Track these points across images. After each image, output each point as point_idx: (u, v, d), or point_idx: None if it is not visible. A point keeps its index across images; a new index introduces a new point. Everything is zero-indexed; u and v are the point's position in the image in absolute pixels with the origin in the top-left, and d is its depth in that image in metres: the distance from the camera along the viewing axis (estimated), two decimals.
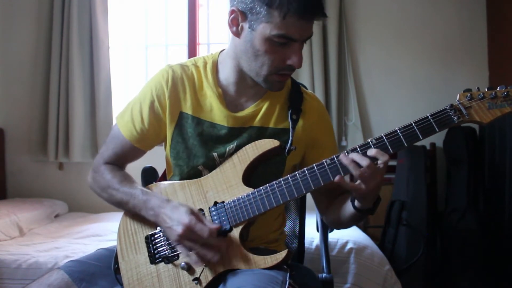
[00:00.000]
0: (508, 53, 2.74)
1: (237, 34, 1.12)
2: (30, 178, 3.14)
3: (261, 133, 1.20)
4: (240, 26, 1.11)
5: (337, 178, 1.02)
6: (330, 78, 2.93)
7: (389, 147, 1.03)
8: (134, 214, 1.20)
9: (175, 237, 1.07)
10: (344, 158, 1.03)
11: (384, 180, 1.04)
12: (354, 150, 1.04)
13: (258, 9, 1.05)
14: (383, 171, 1.02)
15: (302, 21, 1.05)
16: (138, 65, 3.28)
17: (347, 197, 1.14)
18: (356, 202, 1.09)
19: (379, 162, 1.01)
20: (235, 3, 1.10)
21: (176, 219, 1.07)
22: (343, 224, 1.23)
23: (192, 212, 1.07)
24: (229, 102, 1.21)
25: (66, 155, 3.01)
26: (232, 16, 1.11)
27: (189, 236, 1.05)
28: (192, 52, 3.16)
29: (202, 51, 3.23)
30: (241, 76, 1.19)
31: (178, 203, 1.12)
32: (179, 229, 1.05)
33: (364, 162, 1.00)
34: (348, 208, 1.13)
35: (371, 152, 1.02)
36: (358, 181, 1.02)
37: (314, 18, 1.07)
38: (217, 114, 1.20)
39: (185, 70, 1.23)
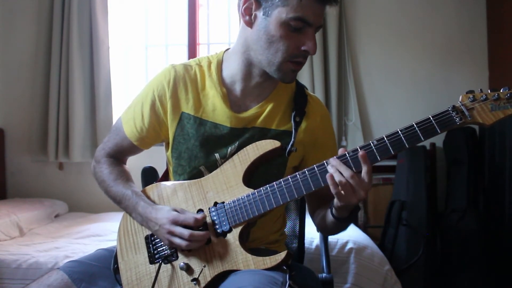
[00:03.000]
0: (508, 53, 2.74)
1: (249, 23, 1.13)
2: (30, 178, 3.14)
3: (264, 134, 1.19)
4: (253, 15, 1.11)
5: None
6: (330, 78, 2.93)
7: (390, 148, 1.02)
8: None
9: (166, 236, 1.10)
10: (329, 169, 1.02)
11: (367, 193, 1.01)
12: (354, 151, 1.04)
13: None
14: (368, 185, 1.00)
15: (317, 3, 1.07)
16: (138, 65, 3.28)
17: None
18: (333, 210, 1.10)
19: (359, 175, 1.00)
20: None
21: (160, 219, 1.11)
22: (326, 230, 1.23)
23: (173, 209, 1.12)
24: (233, 102, 1.20)
25: (66, 155, 3.01)
26: (245, 5, 1.11)
27: (175, 231, 1.08)
28: (192, 52, 3.15)
29: (202, 51, 3.22)
30: (248, 72, 1.18)
31: (160, 206, 1.15)
32: (166, 226, 1.09)
33: (343, 180, 0.99)
34: (329, 215, 1.13)
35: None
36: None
37: (328, 2, 1.09)
38: (220, 114, 1.19)
39: (187, 70, 1.22)
